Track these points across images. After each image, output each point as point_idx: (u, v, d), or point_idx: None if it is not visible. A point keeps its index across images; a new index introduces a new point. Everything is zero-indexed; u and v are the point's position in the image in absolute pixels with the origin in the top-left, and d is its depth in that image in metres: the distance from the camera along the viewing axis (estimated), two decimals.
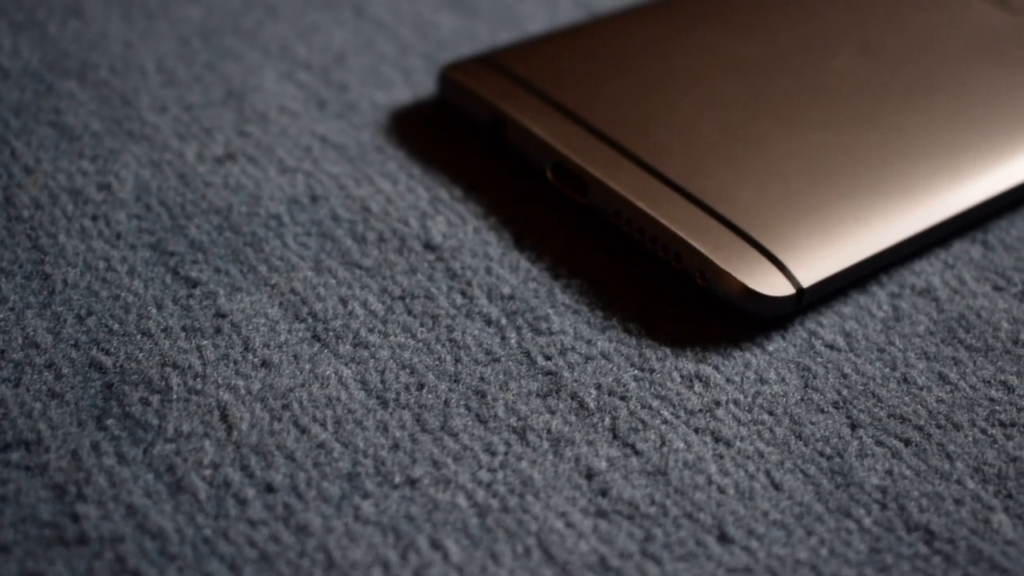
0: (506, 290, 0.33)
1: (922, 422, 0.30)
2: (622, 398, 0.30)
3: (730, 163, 0.35)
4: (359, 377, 0.30)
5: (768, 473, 0.29)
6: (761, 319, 0.32)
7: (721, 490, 0.28)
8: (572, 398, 0.30)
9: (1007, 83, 0.39)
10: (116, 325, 0.31)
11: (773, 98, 0.37)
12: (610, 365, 0.31)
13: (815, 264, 0.32)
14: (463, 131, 0.38)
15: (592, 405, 0.30)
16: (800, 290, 0.32)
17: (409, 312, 0.32)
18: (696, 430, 0.30)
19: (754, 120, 0.36)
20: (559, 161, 0.35)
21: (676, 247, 0.33)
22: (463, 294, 0.33)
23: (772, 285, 0.32)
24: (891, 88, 0.38)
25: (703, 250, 0.32)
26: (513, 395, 0.30)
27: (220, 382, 0.30)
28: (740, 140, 0.35)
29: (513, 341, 0.31)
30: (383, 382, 0.30)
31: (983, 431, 0.30)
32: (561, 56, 0.38)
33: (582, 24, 0.40)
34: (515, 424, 0.30)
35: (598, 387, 0.30)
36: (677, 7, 0.41)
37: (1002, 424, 0.30)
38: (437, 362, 0.31)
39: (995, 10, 0.42)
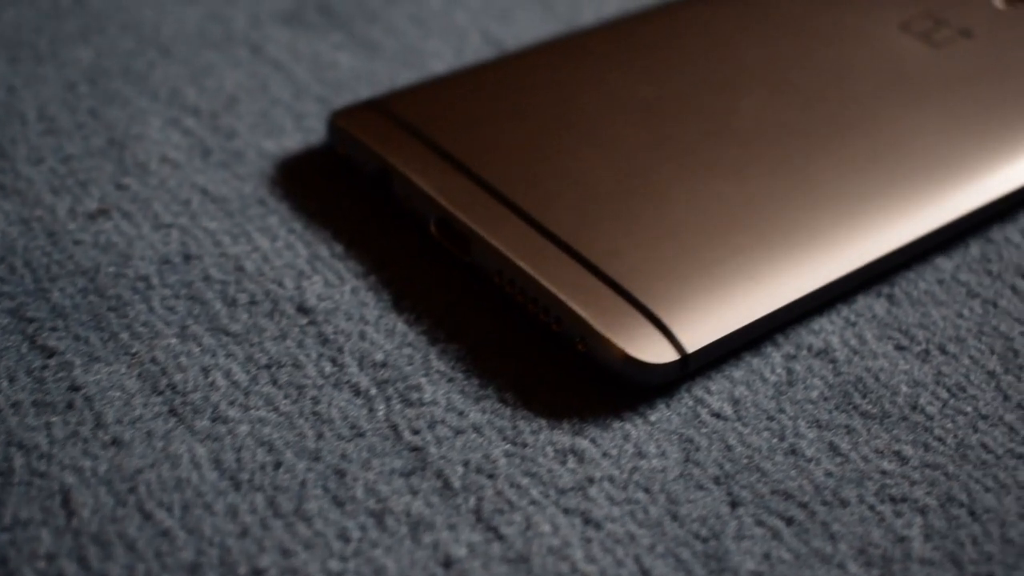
0: (379, 357, 0.31)
1: (807, 498, 0.28)
2: (490, 476, 0.29)
3: (621, 217, 0.33)
4: (213, 456, 0.29)
5: (638, 559, 0.27)
6: (645, 387, 0.30)
7: None
8: (437, 476, 0.29)
9: (926, 124, 0.37)
10: None
11: (674, 144, 0.35)
12: (481, 439, 0.29)
13: (702, 327, 0.31)
14: (351, 182, 0.36)
15: (457, 484, 0.28)
16: (685, 356, 0.30)
17: (274, 382, 0.30)
18: (565, 511, 0.28)
19: (652, 169, 0.34)
20: (442, 216, 0.33)
21: (556, 310, 0.31)
22: (333, 362, 0.31)
23: (654, 351, 0.30)
24: (801, 131, 0.36)
25: (582, 313, 0.31)
26: (375, 474, 0.29)
27: (66, 463, 0.28)
28: (635, 191, 0.34)
29: (381, 413, 0.30)
30: (238, 461, 0.29)
31: (871, 507, 0.28)
32: (454, 100, 0.37)
33: (481, 65, 0.39)
34: (374, 507, 0.28)
35: (465, 464, 0.29)
36: (582, 46, 0.39)
37: (892, 499, 0.29)
38: (298, 438, 0.29)
39: (918, 45, 0.40)
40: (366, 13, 0.43)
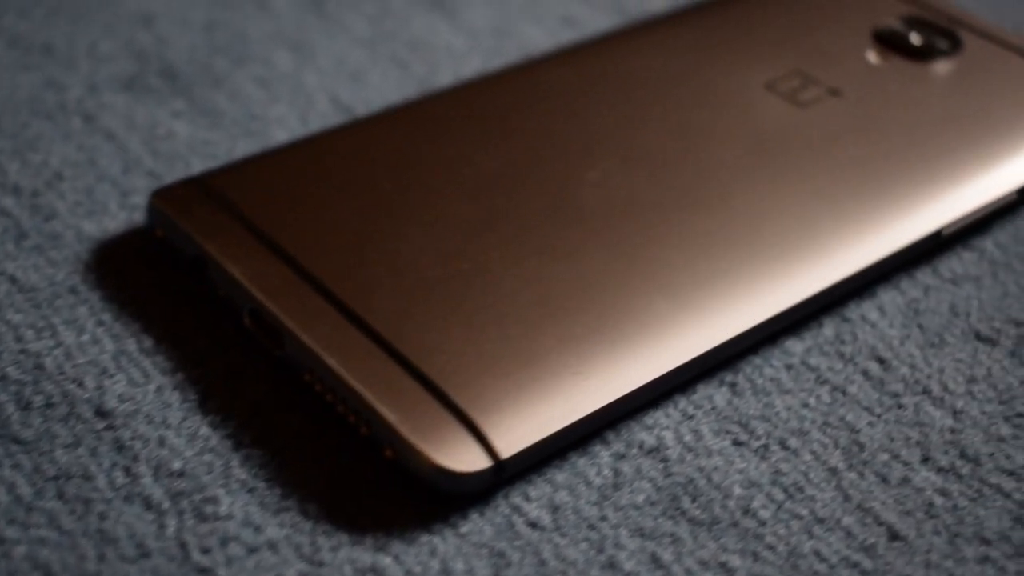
0: (177, 465, 0.29)
1: None
2: None
3: (444, 306, 0.31)
4: None
5: None
6: (458, 496, 0.28)
7: None
8: None
9: (782, 193, 0.35)
10: None
11: (510, 222, 0.33)
12: (275, 559, 0.27)
13: (520, 430, 0.29)
14: (170, 268, 0.34)
15: None
16: (499, 463, 0.28)
17: (60, 496, 0.28)
18: None
19: (483, 251, 0.32)
20: (255, 306, 0.31)
21: (364, 411, 0.29)
22: (127, 471, 0.29)
23: (464, 459, 0.28)
24: (648, 205, 0.34)
25: (389, 416, 0.28)
26: None
27: None
28: (461, 276, 0.32)
29: (171, 530, 0.28)
30: None
31: None
32: (280, 177, 0.35)
33: (315, 136, 0.37)
34: None
35: None
36: (427, 112, 0.37)
37: None
38: (78, 560, 0.27)
39: (784, 105, 0.38)
40: (211, 76, 0.41)
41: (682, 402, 0.31)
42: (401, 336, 0.30)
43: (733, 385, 0.31)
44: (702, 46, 0.41)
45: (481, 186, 0.35)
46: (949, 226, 0.35)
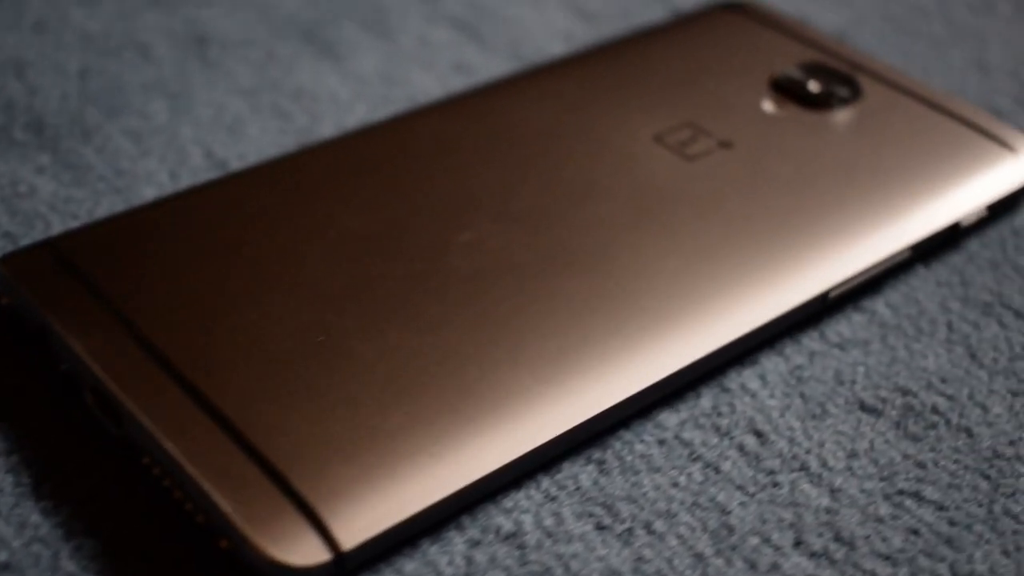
0: (3, 557, 0.27)
1: None
2: None
3: (296, 383, 0.29)
4: None
5: None
6: None
7: None
8: None
9: (661, 253, 0.34)
10: None
11: (372, 290, 0.32)
12: None
13: (365, 519, 0.27)
14: (17, 338, 0.32)
15: None
16: (340, 556, 0.27)
17: None
18: None
19: (341, 322, 0.31)
20: (95, 383, 0.30)
21: (201, 499, 0.27)
22: None
23: (302, 551, 0.26)
24: (523, 268, 0.33)
25: (223, 504, 0.27)
26: None
27: None
28: (317, 350, 0.30)
29: None
30: None
31: None
32: (136, 240, 0.33)
33: (179, 195, 0.35)
34: None
35: None
36: (299, 167, 0.36)
37: None
38: None
39: (671, 159, 0.37)
40: (80, 129, 0.39)
41: (545, 482, 0.29)
42: (246, 416, 0.29)
43: (601, 463, 0.30)
44: (593, 95, 0.39)
45: (348, 249, 0.33)
46: (836, 288, 0.34)
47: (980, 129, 0.39)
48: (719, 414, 0.31)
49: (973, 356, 0.33)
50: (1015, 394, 0.32)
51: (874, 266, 0.35)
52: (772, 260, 0.34)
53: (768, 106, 0.39)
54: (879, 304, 0.35)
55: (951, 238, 0.37)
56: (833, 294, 0.34)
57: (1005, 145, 0.39)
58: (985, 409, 0.32)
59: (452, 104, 0.39)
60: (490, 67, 0.43)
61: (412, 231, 0.34)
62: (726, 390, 0.32)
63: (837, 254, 0.34)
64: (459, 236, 0.34)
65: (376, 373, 0.30)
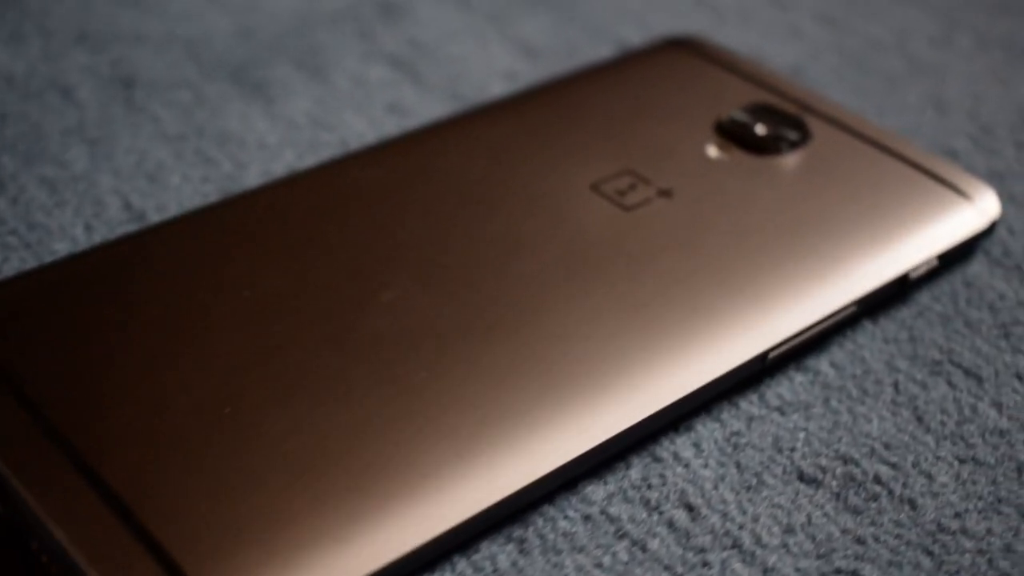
0: None
1: None
2: None
3: (194, 462, 0.28)
4: None
5: None
6: None
7: None
8: None
9: (590, 313, 0.32)
10: None
11: (285, 356, 0.30)
12: None
13: None
14: None
15: None
16: None
17: None
18: None
19: (248, 392, 0.29)
20: None
21: None
22: None
23: None
24: (445, 331, 0.31)
25: None
26: None
27: None
28: (219, 424, 0.28)
29: None
30: None
31: None
32: (34, 303, 0.31)
33: (88, 252, 0.33)
34: None
35: None
36: (216, 220, 0.34)
37: None
38: None
39: (608, 209, 0.35)
40: None
41: (461, 564, 0.28)
42: (139, 498, 0.27)
43: (521, 542, 0.28)
44: (530, 140, 0.38)
45: (261, 310, 0.31)
46: (776, 348, 0.32)
47: (932, 174, 0.37)
48: (649, 486, 0.30)
49: (920, 420, 0.32)
50: (962, 461, 0.31)
51: (817, 324, 0.33)
52: (708, 319, 0.32)
53: (712, 151, 0.38)
54: (823, 363, 0.33)
55: (900, 291, 0.35)
56: (773, 355, 0.32)
57: (958, 191, 0.37)
58: (930, 478, 0.30)
59: (379, 150, 0.37)
60: (426, 108, 0.41)
61: (331, 290, 0.32)
62: (658, 459, 0.30)
63: (778, 312, 0.33)
64: (380, 295, 0.32)
65: (283, 449, 0.28)
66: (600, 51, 0.44)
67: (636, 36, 0.45)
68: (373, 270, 0.33)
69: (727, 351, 0.32)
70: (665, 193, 0.36)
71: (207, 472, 0.28)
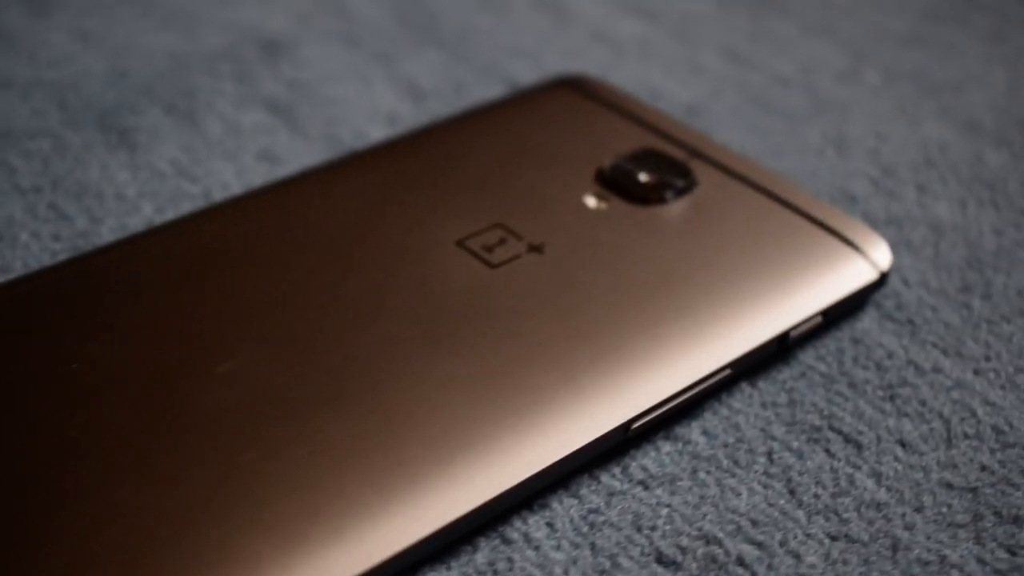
0: None
1: None
2: None
3: (4, 557, 0.26)
4: None
5: None
6: None
7: None
8: None
9: (449, 381, 0.30)
10: None
11: (109, 435, 0.28)
12: None
13: None
14: None
15: None
16: None
17: None
18: None
19: (65, 476, 0.27)
20: None
21: None
22: None
23: None
24: (284, 405, 0.29)
25: None
26: None
27: None
28: (32, 515, 0.26)
29: None
30: None
31: None
32: None
33: None
34: None
35: None
36: (48, 287, 0.32)
37: None
38: None
39: (473, 267, 0.33)
40: None
41: None
42: None
43: None
44: (399, 191, 0.36)
45: (86, 385, 0.29)
46: (639, 419, 0.30)
47: (821, 223, 0.36)
48: (495, 572, 0.28)
49: (792, 492, 0.30)
50: (834, 538, 0.29)
51: (685, 391, 0.31)
52: (567, 387, 0.30)
53: (591, 201, 0.36)
54: (694, 431, 0.31)
55: (781, 350, 0.33)
56: (636, 426, 0.30)
57: (847, 241, 0.35)
58: (798, 558, 0.28)
59: (238, 203, 0.36)
60: (299, 156, 0.39)
61: (167, 360, 0.30)
62: (507, 541, 0.28)
63: (642, 379, 0.31)
64: (220, 366, 0.30)
65: (96, 541, 0.26)
66: (489, 91, 0.43)
67: (529, 75, 0.44)
68: (215, 337, 0.31)
69: (585, 423, 0.30)
70: (536, 248, 0.34)
71: (15, 568, 0.26)
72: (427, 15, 0.46)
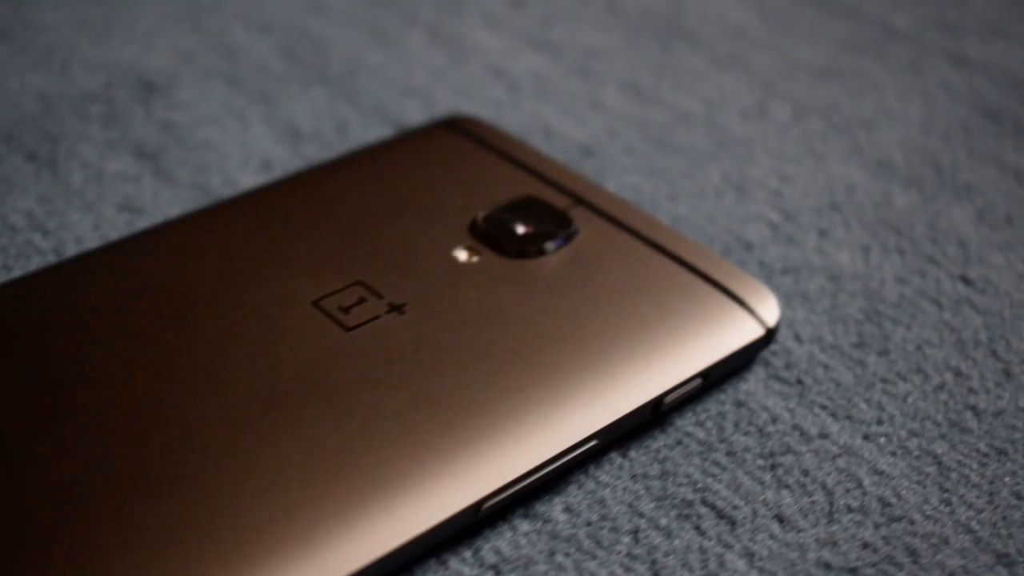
0: None
1: None
2: None
3: None
4: None
5: None
6: None
7: None
8: None
9: (285, 461, 0.28)
10: None
11: None
12: None
13: None
14: None
15: None
16: None
17: None
18: None
19: None
20: None
21: None
22: None
23: None
24: (100, 490, 0.27)
25: None
26: None
27: None
28: None
29: None
30: None
31: None
32: None
33: None
34: None
35: None
36: None
37: None
38: None
39: (328, 330, 0.31)
40: None
41: None
42: None
43: None
44: (261, 245, 0.34)
45: None
46: (491, 498, 0.28)
47: (705, 276, 0.34)
48: None
49: None
50: None
51: (543, 466, 0.29)
52: (413, 463, 0.28)
53: (462, 254, 0.34)
54: (555, 507, 0.29)
55: (655, 416, 0.31)
56: (488, 505, 0.28)
57: (732, 296, 0.33)
58: None
59: (85, 260, 0.33)
60: (164, 205, 0.37)
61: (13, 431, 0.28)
62: None
63: (495, 454, 0.29)
64: (36, 446, 0.28)
65: None
66: (374, 133, 0.40)
67: (418, 115, 0.41)
68: (37, 412, 0.28)
69: (431, 504, 0.28)
70: (396, 308, 0.32)
71: None
72: (316, 51, 0.44)
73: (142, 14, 0.45)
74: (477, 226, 0.34)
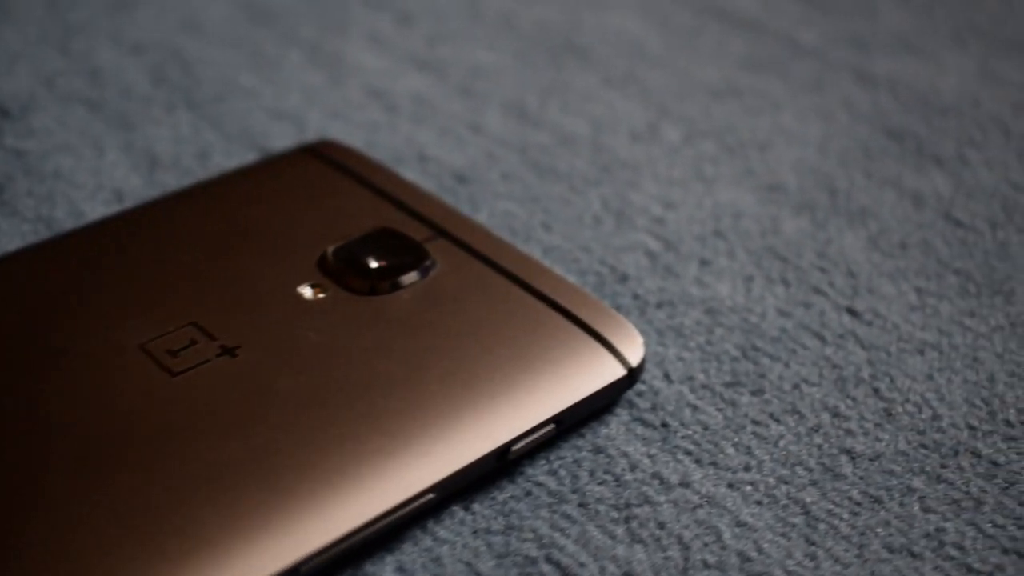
0: None
1: None
2: None
3: None
4: None
5: None
6: None
7: None
8: None
9: (110, 510, 0.26)
10: None
11: None
12: None
13: None
14: None
15: None
16: None
17: None
18: None
19: None
20: None
21: None
22: None
23: None
24: None
25: None
26: None
27: None
28: None
29: None
30: None
31: None
32: None
33: None
34: None
35: None
36: None
37: None
38: None
39: (155, 373, 0.29)
40: None
41: None
42: None
43: None
44: (93, 283, 0.32)
45: None
46: (310, 560, 0.26)
47: (566, 312, 0.32)
48: None
49: None
50: None
51: (371, 523, 0.27)
52: (226, 524, 0.26)
53: (307, 291, 0.32)
54: (387, 568, 0.27)
55: (503, 465, 0.29)
56: (307, 568, 0.26)
57: (593, 333, 0.31)
58: None
59: None
60: (6, 239, 0.35)
61: None
62: None
63: (317, 511, 0.27)
64: None
65: None
66: (236, 160, 0.38)
67: (286, 140, 0.39)
68: None
69: (246, 566, 0.25)
70: (228, 351, 0.30)
71: None
72: (186, 73, 0.42)
73: (3, 36, 0.43)
74: (327, 261, 0.32)
